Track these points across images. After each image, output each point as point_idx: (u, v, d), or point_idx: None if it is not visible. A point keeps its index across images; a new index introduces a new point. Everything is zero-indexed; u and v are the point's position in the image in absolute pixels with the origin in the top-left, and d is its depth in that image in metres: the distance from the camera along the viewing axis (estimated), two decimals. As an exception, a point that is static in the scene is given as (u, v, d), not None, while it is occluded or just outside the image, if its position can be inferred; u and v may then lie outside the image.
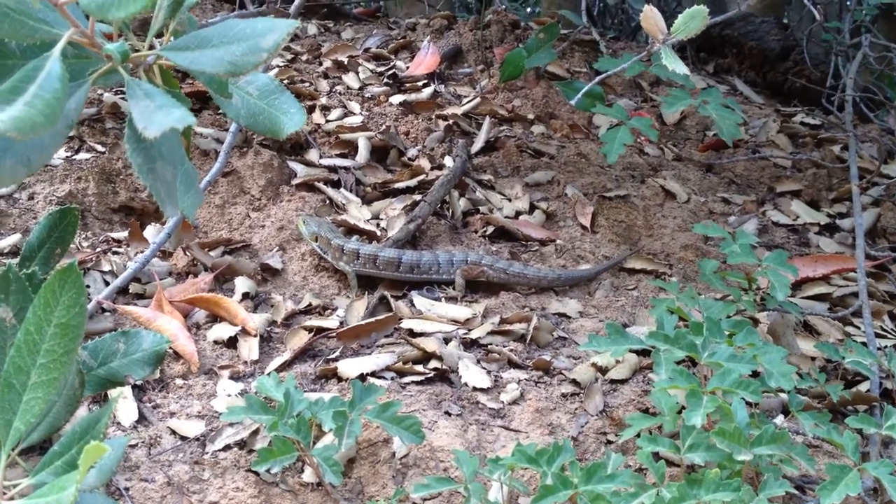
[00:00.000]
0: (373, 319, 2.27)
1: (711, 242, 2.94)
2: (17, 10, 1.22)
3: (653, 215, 2.99)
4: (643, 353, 2.31)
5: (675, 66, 2.02)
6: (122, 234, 2.61)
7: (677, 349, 1.74)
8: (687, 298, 2.19)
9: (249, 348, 2.21)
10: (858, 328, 2.50)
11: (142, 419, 1.99)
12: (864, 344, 2.29)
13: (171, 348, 2.17)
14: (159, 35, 1.47)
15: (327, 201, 2.88)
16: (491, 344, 2.30)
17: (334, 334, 2.25)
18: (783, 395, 2.12)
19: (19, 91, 1.15)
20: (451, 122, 3.37)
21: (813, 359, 2.33)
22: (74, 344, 1.38)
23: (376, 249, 2.49)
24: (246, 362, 2.18)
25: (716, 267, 2.27)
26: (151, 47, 1.49)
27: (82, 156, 2.85)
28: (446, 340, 2.27)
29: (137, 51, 1.47)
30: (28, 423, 1.37)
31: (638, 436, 1.67)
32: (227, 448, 1.92)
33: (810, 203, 3.20)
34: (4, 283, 1.56)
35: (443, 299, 2.50)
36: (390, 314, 2.30)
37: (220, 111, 3.24)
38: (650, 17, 2.06)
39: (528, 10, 5.20)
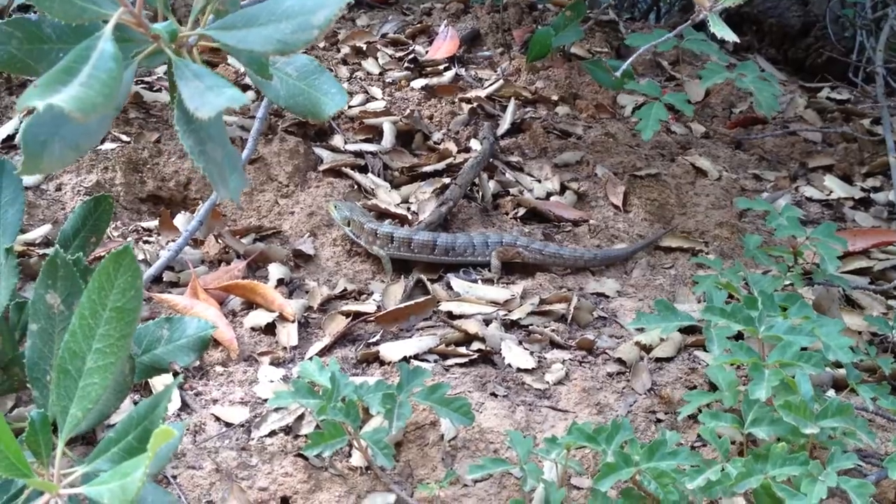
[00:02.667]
0: (411, 303, 2.24)
1: (746, 219, 2.91)
2: None
3: (685, 193, 2.96)
4: (687, 330, 2.29)
5: (724, 33, 1.99)
6: (152, 224, 2.59)
7: (734, 323, 1.71)
8: (732, 274, 2.16)
9: (288, 334, 2.18)
10: (901, 301, 2.47)
11: (185, 407, 1.97)
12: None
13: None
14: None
15: (355, 186, 2.85)
16: (532, 325, 2.27)
17: (372, 318, 2.23)
18: (832, 370, 2.09)
19: (73, 72, 1.12)
20: (475, 104, 3.33)
21: (859, 333, 2.30)
22: (130, 328, 1.35)
23: (410, 233, 2.46)
24: (285, 348, 2.16)
25: (759, 242, 2.24)
26: (194, 28, 1.47)
27: (108, 146, 2.82)
28: (487, 322, 2.25)
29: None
30: (85, 409, 1.35)
31: (696, 413, 1.65)
32: (272, 434, 1.89)
33: (843, 178, 3.16)
34: (52, 269, 1.54)
35: (479, 281, 2.47)
36: (428, 297, 2.28)
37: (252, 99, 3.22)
38: None
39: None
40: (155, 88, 3.16)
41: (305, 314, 2.28)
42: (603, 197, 2.92)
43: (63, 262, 1.55)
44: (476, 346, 2.14)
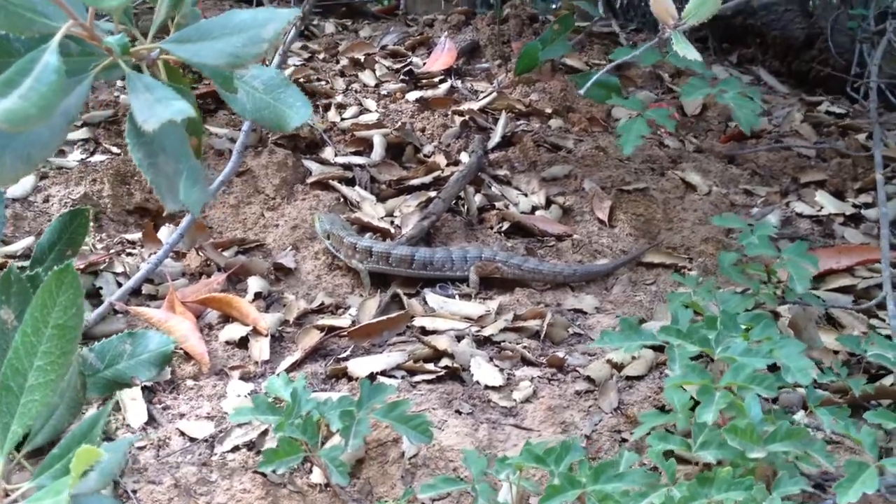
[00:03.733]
0: (384, 318, 2.25)
1: (733, 235, 2.88)
2: (16, 2, 1.21)
3: (672, 208, 2.94)
4: (660, 348, 2.27)
5: (687, 52, 1.98)
6: (137, 236, 2.61)
7: (690, 344, 1.70)
8: (704, 292, 2.15)
9: (260, 348, 2.19)
10: (883, 321, 2.43)
11: (151, 420, 1.98)
12: (888, 337, 2.23)
13: (181, 349, 2.17)
14: (164, 30, 1.47)
15: (342, 199, 2.86)
16: (504, 341, 2.26)
17: (345, 333, 2.23)
18: (803, 390, 2.07)
19: (14, 84, 1.13)
20: (467, 117, 3.33)
21: (836, 352, 2.27)
22: (72, 346, 1.37)
23: (389, 247, 2.47)
24: (257, 362, 2.16)
25: (735, 259, 2.22)
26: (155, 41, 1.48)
27: (97, 158, 2.86)
28: (459, 338, 2.24)
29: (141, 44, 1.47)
30: (25, 425, 1.36)
31: (650, 433, 1.64)
32: (235, 449, 1.90)
33: (835, 193, 3.13)
34: (6, 285, 1.55)
35: (456, 296, 2.47)
36: (402, 312, 2.28)
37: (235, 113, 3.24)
38: (660, 3, 2.02)
39: (553, 5, 5.14)
40: (148, 100, 3.18)
41: (280, 328, 2.29)
42: (589, 211, 2.91)
43: (17, 279, 1.56)
44: (444, 362, 2.13)
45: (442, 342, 2.17)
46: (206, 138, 3.04)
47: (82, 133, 2.98)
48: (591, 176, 3.04)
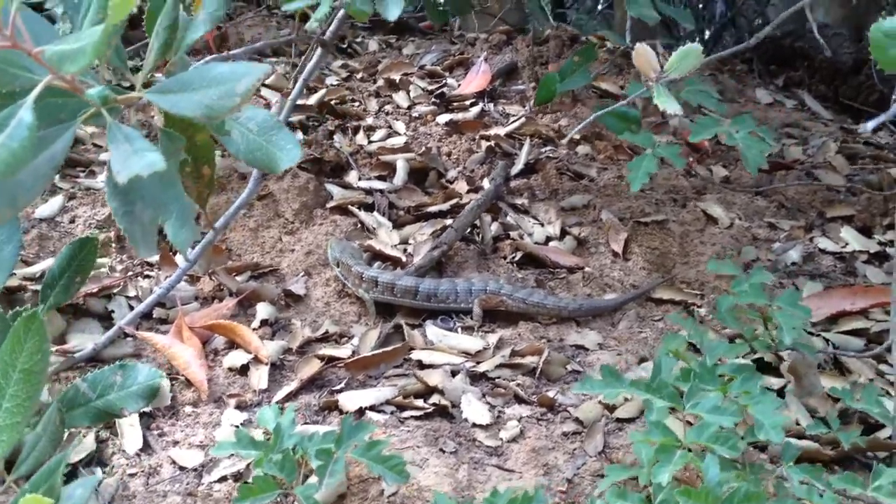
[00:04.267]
0: (380, 351, 2.28)
1: (751, 271, 2.84)
2: (2, 57, 1.27)
3: (690, 241, 2.91)
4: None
5: (667, 105, 1.97)
6: (154, 258, 2.68)
7: (658, 398, 1.69)
8: (697, 336, 2.13)
9: (259, 377, 2.24)
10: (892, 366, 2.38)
11: (146, 447, 2.04)
12: (892, 384, 2.19)
13: (182, 375, 2.23)
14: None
15: (359, 225, 2.90)
16: (499, 377, 2.27)
17: (343, 365, 2.27)
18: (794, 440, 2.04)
19: None
20: (493, 143, 3.35)
21: (836, 400, 2.23)
22: (37, 389, 1.43)
23: (394, 277, 2.50)
24: (255, 391, 2.21)
25: (732, 304, 2.20)
26: (147, 85, 1.54)
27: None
28: (454, 373, 2.27)
29: (132, 87, 1.53)
30: (-8, 464, 1.43)
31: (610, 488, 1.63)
32: (222, 479, 1.95)
33: (862, 229, 3.06)
34: (-5, 323, 1.63)
35: (459, 329, 2.49)
36: (399, 346, 2.31)
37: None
38: (642, 56, 2.02)
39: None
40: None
41: (283, 356, 2.34)
42: (604, 243, 2.90)
43: (1, 318, 1.64)
44: (434, 398, 2.15)
45: (435, 377, 2.19)
46: (232, 161, 3.11)
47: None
48: (610, 206, 3.03)
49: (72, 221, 2.76)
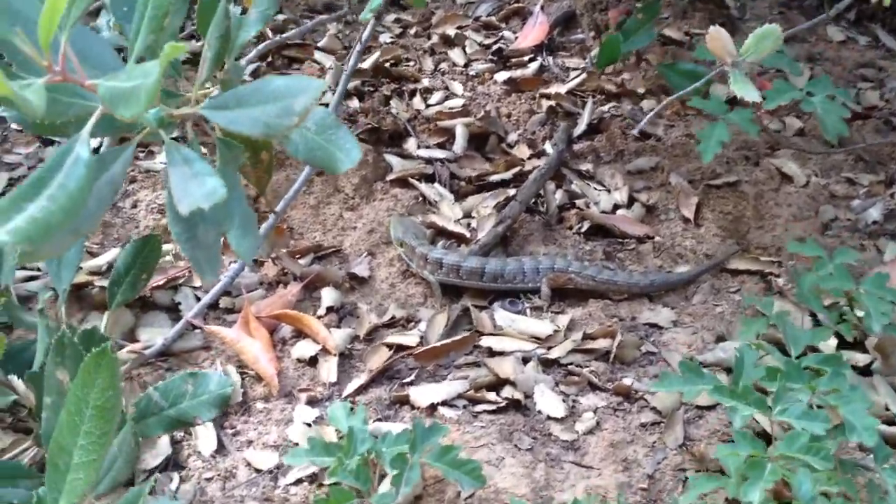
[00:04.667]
0: (449, 341, 2.22)
1: (829, 232, 2.72)
2: (58, 88, 1.22)
3: (765, 203, 2.79)
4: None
5: (746, 92, 1.84)
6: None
7: (744, 405, 1.62)
8: (779, 320, 2.04)
9: (328, 369, 2.21)
10: None
11: (220, 448, 2.03)
12: None
13: (253, 370, 2.21)
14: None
15: (420, 198, 2.83)
16: (572, 364, 2.21)
17: (412, 355, 2.22)
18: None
19: (45, 183, 1.12)
20: (553, 102, 3.23)
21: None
22: (111, 426, 1.40)
23: (459, 259, 2.43)
24: (324, 384, 2.18)
25: (814, 283, 2.10)
26: (199, 100, 1.49)
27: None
28: (525, 360, 2.21)
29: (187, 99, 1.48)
30: (71, 502, 1.42)
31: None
32: (298, 482, 1.94)
33: (948, 183, 2.91)
34: (60, 348, 1.61)
35: (528, 310, 2.42)
36: (468, 335, 2.25)
37: (323, 102, 3.23)
38: (717, 39, 1.89)
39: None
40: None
41: (350, 346, 2.30)
42: (674, 209, 2.79)
43: (69, 342, 1.61)
44: (507, 391, 2.10)
45: (506, 367, 2.14)
46: (290, 134, 3.05)
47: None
48: (678, 168, 2.91)
49: (134, 206, 2.73)
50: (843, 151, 3.04)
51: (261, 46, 2.98)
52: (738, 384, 1.81)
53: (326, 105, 2.83)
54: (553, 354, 2.22)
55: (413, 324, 2.39)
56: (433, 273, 2.44)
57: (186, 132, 1.48)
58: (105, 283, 2.27)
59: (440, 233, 2.67)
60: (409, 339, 2.29)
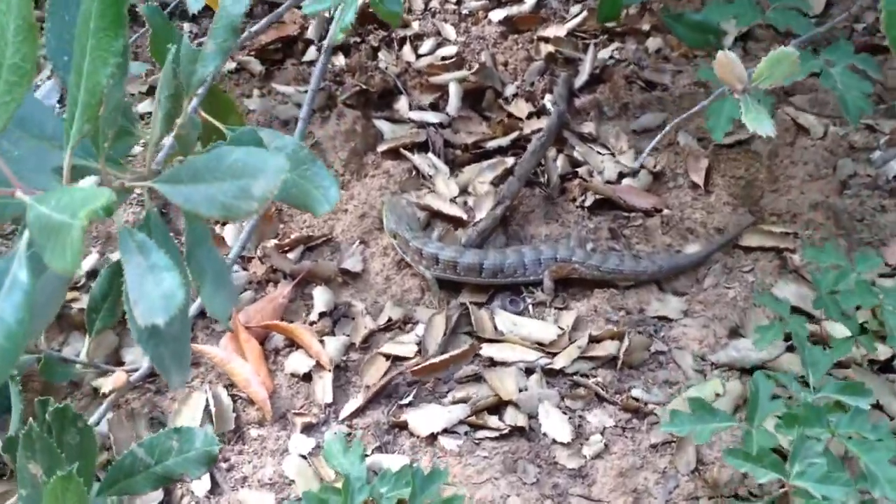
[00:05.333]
0: (448, 356, 2.10)
1: (849, 191, 2.54)
2: None
3: (779, 163, 2.59)
4: (749, 371, 2.07)
5: (759, 125, 1.64)
6: (203, 235, 2.49)
7: (759, 468, 1.50)
8: (797, 326, 1.91)
9: (323, 387, 2.10)
10: None
11: (214, 487, 1.94)
12: None
13: (244, 393, 2.10)
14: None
15: (413, 172, 2.65)
16: (577, 373, 2.09)
17: (410, 371, 2.10)
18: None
19: None
20: (553, 48, 2.99)
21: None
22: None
23: (456, 255, 2.28)
24: (320, 406, 2.08)
25: (831, 285, 1.95)
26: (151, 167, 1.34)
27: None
28: (528, 371, 2.09)
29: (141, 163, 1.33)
30: None
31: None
32: (295, 526, 1.86)
33: (977, 127, 2.70)
34: (29, 442, 1.49)
35: (530, 306, 2.28)
36: (467, 347, 2.12)
37: (304, 61, 3.02)
38: (725, 65, 1.68)
39: None
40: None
41: (346, 356, 2.18)
42: (682, 174, 2.60)
43: (38, 436, 1.49)
44: (510, 414, 1.99)
45: (508, 384, 2.03)
46: (272, 101, 2.85)
47: (147, 106, 2.83)
48: (687, 125, 2.70)
49: (111, 199, 2.56)
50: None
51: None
52: (752, 419, 1.70)
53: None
54: (558, 364, 2.10)
55: (410, 325, 2.26)
56: (429, 268, 2.30)
57: (143, 200, 1.33)
58: (86, 298, 2.14)
59: (435, 215, 2.51)
60: (407, 348, 2.17)
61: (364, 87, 2.85)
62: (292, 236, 2.47)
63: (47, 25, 1.32)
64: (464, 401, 2.02)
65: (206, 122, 1.80)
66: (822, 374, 1.74)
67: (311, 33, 3.08)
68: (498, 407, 2.02)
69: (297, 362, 2.16)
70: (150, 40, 1.74)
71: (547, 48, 3.01)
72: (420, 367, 2.08)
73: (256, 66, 2.97)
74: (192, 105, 1.61)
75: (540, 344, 2.14)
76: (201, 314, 2.28)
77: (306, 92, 2.68)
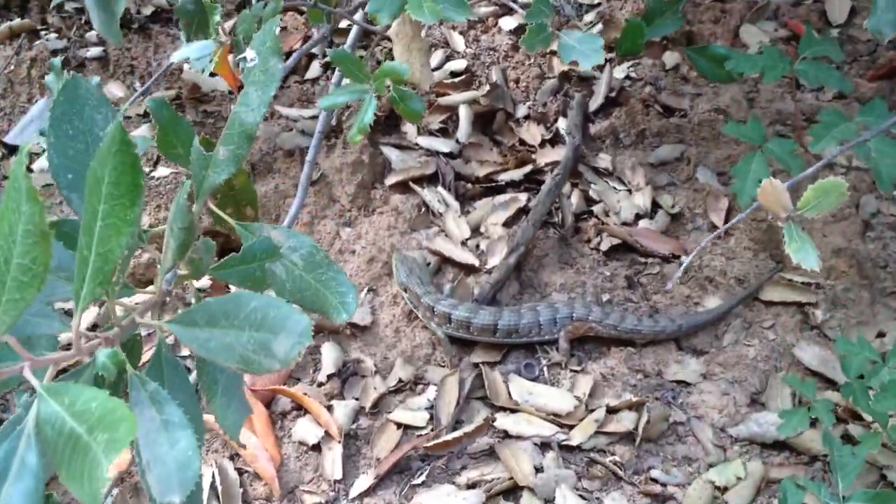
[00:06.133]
0: (461, 433, 2.00)
1: (872, 233, 2.43)
2: None
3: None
4: (771, 447, 1.99)
5: (804, 258, 1.52)
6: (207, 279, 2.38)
7: None
8: (823, 411, 1.83)
9: (333, 460, 2.02)
10: None
11: (223, 577, 1.88)
12: None
13: (251, 468, 2.02)
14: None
15: (423, 208, 2.52)
16: (594, 449, 2.01)
17: (423, 447, 2.01)
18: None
19: None
20: (566, 67, 2.83)
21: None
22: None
23: (469, 314, 2.17)
24: (330, 482, 2.00)
25: (859, 369, 1.85)
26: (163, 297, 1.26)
27: (161, 172, 2.58)
28: (544, 446, 2.00)
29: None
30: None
31: None
32: None
33: None
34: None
35: (545, 369, 2.18)
36: (481, 423, 2.02)
37: (308, 78, 2.86)
38: (770, 193, 1.55)
39: None
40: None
41: (356, 423, 2.09)
42: (702, 214, 2.48)
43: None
44: (526, 500, 1.91)
45: (524, 465, 1.94)
46: (276, 126, 2.70)
47: (144, 131, 2.69)
48: (706, 158, 2.57)
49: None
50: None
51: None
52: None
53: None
54: (574, 439, 2.01)
55: (422, 387, 2.17)
56: (441, 326, 2.19)
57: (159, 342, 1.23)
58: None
59: (446, 261, 2.39)
60: (418, 415, 2.08)
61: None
62: (298, 281, 2.35)
63: (49, 140, 1.21)
64: (478, 484, 1.94)
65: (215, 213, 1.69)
66: (851, 481, 1.66)
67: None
68: (513, 491, 1.94)
69: (306, 430, 2.07)
70: (156, 135, 1.59)
71: (560, 65, 2.85)
72: (433, 444, 2.00)
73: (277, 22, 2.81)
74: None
75: (556, 415, 2.05)
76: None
77: (311, 118, 2.55)
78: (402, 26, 1.90)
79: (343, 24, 2.63)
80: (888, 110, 2.10)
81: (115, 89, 2.86)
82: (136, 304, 1.20)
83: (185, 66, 2.76)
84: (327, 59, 2.80)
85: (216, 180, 1.39)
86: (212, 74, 1.95)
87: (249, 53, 1.47)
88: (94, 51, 2.95)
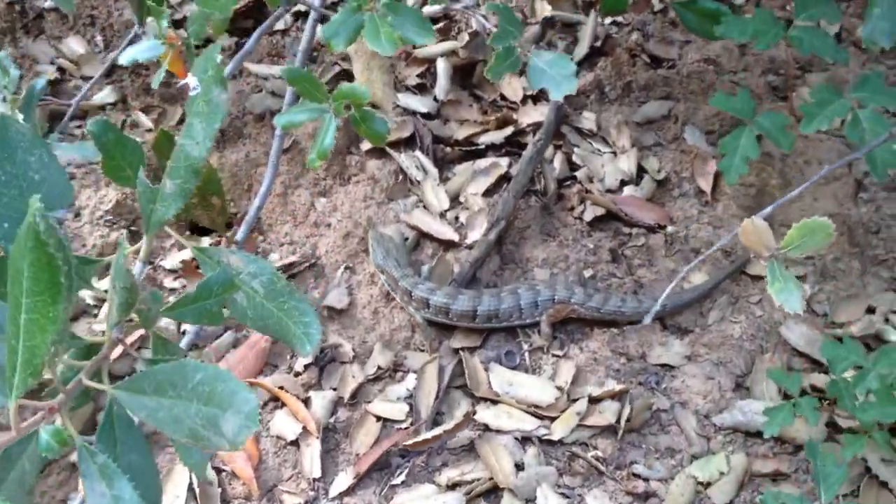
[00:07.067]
0: (441, 430, 1.93)
1: (865, 194, 2.31)
2: None
3: (792, 163, 2.34)
4: (755, 435, 1.93)
5: (787, 300, 1.40)
6: (179, 259, 2.27)
7: None
8: (809, 410, 1.76)
9: (311, 458, 1.95)
10: None
11: (203, 581, 1.84)
12: None
13: (229, 467, 1.96)
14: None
15: (400, 176, 2.38)
16: (576, 442, 1.94)
17: (404, 444, 1.95)
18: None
19: None
20: (549, 12, 2.64)
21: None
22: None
23: (448, 299, 2.07)
24: (309, 480, 1.94)
25: (846, 367, 1.77)
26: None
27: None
28: (524, 440, 1.94)
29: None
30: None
31: None
32: None
33: None
34: None
35: (526, 355, 2.10)
36: (461, 420, 1.95)
37: (278, 30, 2.68)
38: (751, 232, 1.42)
39: None
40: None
41: (334, 415, 2.02)
42: (689, 178, 2.35)
43: None
44: (507, 501, 1.85)
45: (504, 463, 1.88)
46: (244, 86, 2.53)
47: (107, 94, 2.52)
48: (694, 115, 2.42)
49: (76, 216, 2.31)
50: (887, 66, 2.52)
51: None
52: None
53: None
54: (555, 434, 1.94)
55: (401, 374, 2.09)
56: (419, 310, 2.10)
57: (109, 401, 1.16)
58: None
59: (424, 236, 2.27)
60: (398, 407, 2.01)
61: (344, 67, 2.53)
62: (272, 257, 2.25)
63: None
64: (459, 485, 1.88)
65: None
66: (833, 493, 1.60)
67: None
68: (493, 492, 1.88)
69: (284, 424, 2.00)
70: (102, 161, 1.45)
71: (543, 8, 2.66)
72: (413, 441, 1.93)
73: (225, 40, 2.62)
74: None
75: (537, 407, 1.98)
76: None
77: (280, 77, 2.40)
78: (361, 44, 1.72)
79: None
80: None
81: (75, 45, 2.67)
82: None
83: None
84: (298, 6, 2.60)
85: (165, 215, 1.29)
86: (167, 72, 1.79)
87: (191, 81, 1.33)
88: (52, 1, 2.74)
